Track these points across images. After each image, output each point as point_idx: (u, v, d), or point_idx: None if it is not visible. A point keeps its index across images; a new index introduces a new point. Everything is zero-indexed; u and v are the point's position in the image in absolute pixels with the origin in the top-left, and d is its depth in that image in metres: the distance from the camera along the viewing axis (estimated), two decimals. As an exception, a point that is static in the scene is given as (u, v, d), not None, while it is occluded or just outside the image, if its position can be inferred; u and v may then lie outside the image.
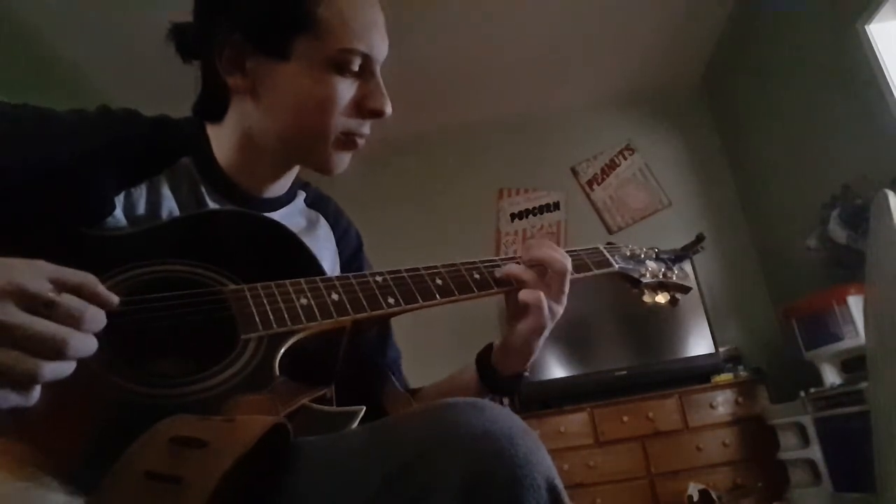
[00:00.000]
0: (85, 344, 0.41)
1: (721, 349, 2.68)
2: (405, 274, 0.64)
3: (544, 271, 0.68)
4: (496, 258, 0.70)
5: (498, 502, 0.38)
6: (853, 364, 2.15)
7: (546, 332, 0.68)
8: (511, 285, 0.69)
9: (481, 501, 0.37)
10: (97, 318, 0.42)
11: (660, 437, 2.45)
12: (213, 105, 0.71)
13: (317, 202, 0.83)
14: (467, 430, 0.40)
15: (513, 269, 0.69)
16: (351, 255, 0.83)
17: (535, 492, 0.38)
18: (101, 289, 0.44)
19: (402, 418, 0.45)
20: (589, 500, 2.38)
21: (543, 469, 0.40)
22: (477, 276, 0.67)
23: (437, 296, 0.63)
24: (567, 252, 0.74)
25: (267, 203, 0.74)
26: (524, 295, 0.66)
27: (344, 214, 0.86)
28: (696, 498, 2.26)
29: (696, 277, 2.63)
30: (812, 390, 2.16)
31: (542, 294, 0.66)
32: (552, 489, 0.40)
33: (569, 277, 0.68)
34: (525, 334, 0.68)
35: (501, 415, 0.42)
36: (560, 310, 0.69)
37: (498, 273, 0.69)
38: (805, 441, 2.18)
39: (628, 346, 2.75)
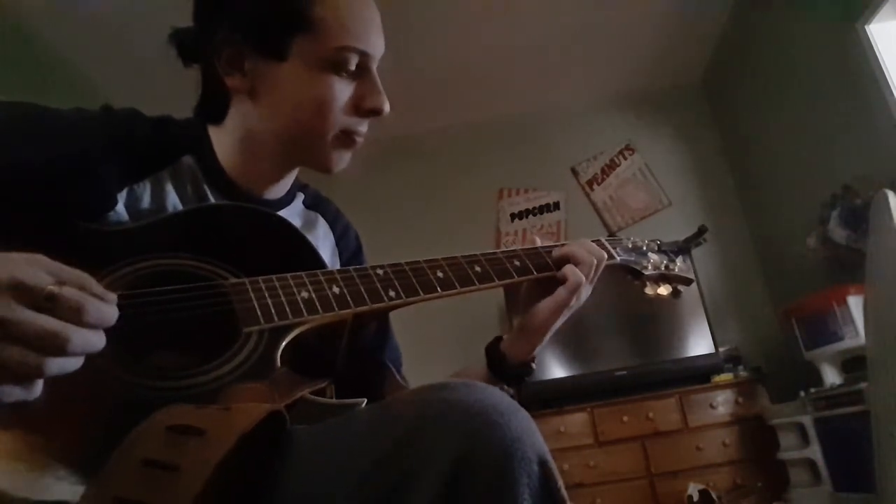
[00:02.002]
0: (87, 340, 0.40)
1: (721, 349, 2.67)
2: (406, 267, 0.64)
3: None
4: (497, 251, 0.70)
5: (489, 476, 0.38)
6: (853, 364, 2.15)
7: (564, 317, 0.73)
8: (513, 277, 0.69)
9: (472, 475, 0.37)
10: (101, 310, 0.42)
11: (660, 437, 2.45)
12: (213, 106, 0.72)
13: (316, 203, 0.83)
14: (459, 406, 0.40)
15: (572, 247, 0.74)
16: (350, 257, 0.84)
17: (526, 465, 0.38)
18: (99, 287, 0.44)
19: (395, 399, 0.46)
20: (589, 500, 2.38)
21: (535, 444, 0.40)
22: (478, 268, 0.67)
23: (439, 288, 0.63)
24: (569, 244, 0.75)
25: (267, 204, 0.74)
26: (569, 270, 0.71)
27: (343, 216, 0.86)
28: (696, 498, 2.25)
29: (696, 277, 2.63)
30: (812, 390, 2.16)
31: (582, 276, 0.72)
32: (543, 464, 0.40)
33: (603, 264, 0.75)
34: (551, 306, 0.71)
35: (493, 392, 0.42)
36: (586, 296, 0.74)
37: (556, 252, 0.74)
38: (805, 441, 2.18)
39: (628, 346, 2.75)
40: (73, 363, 0.40)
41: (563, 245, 0.76)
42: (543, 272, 0.71)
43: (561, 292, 0.71)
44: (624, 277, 0.78)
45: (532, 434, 0.40)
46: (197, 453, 0.36)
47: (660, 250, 0.82)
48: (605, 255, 0.75)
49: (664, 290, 0.78)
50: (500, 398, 0.41)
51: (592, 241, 0.78)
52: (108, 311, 0.42)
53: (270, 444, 0.43)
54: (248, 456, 0.38)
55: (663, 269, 0.79)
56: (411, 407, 0.41)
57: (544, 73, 3.19)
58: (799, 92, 2.58)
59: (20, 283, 0.39)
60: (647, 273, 0.78)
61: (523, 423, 0.40)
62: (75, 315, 0.40)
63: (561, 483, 0.40)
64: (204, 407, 0.41)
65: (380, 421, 0.42)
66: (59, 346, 0.38)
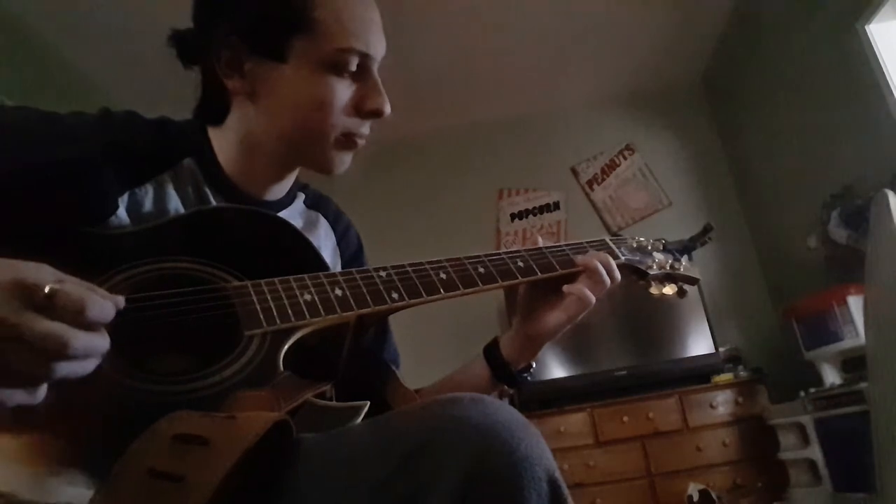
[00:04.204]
0: (89, 342, 0.40)
1: (721, 349, 2.68)
2: (409, 268, 0.63)
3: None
4: (500, 251, 0.70)
5: (498, 495, 0.38)
6: (853, 364, 2.16)
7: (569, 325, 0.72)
8: (516, 278, 0.69)
9: (482, 494, 0.37)
10: (102, 305, 0.41)
11: (660, 437, 2.45)
12: (213, 108, 0.71)
13: (316, 203, 0.83)
14: (468, 423, 0.40)
15: (600, 256, 0.73)
16: (351, 256, 0.84)
17: (535, 484, 0.38)
18: (101, 290, 0.43)
19: (402, 413, 0.45)
20: (589, 500, 2.38)
21: (544, 462, 0.40)
22: (482, 269, 0.67)
23: (442, 290, 0.63)
24: (572, 244, 0.75)
25: (268, 205, 0.74)
26: (577, 289, 0.70)
27: (344, 215, 0.86)
28: (696, 498, 2.26)
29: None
30: (812, 390, 2.16)
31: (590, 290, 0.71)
32: (552, 482, 0.40)
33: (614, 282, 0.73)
34: (562, 322, 0.71)
35: (502, 409, 0.42)
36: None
37: (580, 259, 0.72)
38: (805, 441, 2.18)
39: (628, 346, 2.75)
40: (79, 367, 0.40)
41: (582, 251, 0.75)
42: (547, 273, 0.71)
43: (572, 306, 0.71)
44: (628, 277, 0.77)
45: (541, 451, 0.40)
46: (203, 464, 0.36)
47: (665, 250, 0.81)
48: (618, 276, 0.74)
49: (669, 289, 0.78)
50: (509, 415, 0.41)
51: (598, 243, 0.78)
52: (109, 306, 0.42)
53: (277, 453, 0.43)
54: (255, 465, 0.38)
55: (668, 268, 0.78)
56: (420, 424, 0.41)
57: (544, 73, 3.19)
58: (799, 92, 2.58)
59: (22, 282, 0.38)
60: (652, 273, 0.77)
61: (532, 440, 0.40)
62: (77, 312, 0.39)
63: (570, 500, 0.40)
64: (209, 415, 0.41)
65: (389, 437, 0.42)
66: (59, 349, 0.38)
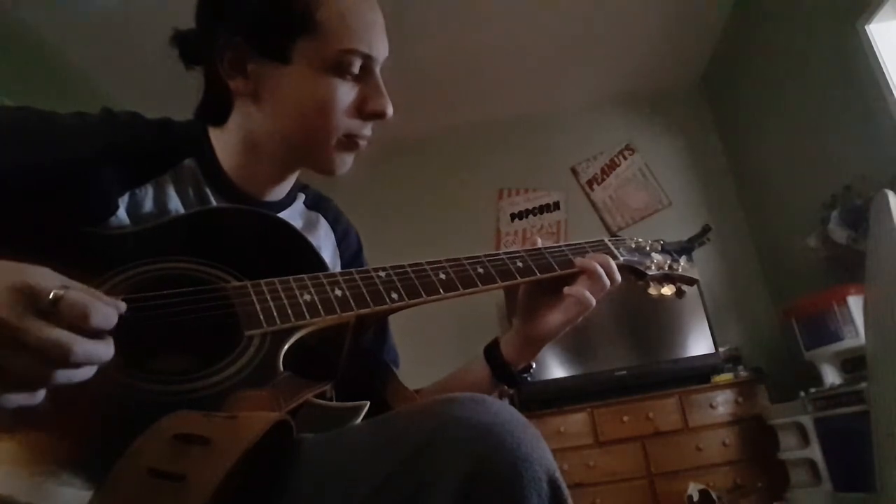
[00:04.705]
0: (91, 350, 0.40)
1: (721, 349, 2.68)
2: (408, 269, 0.63)
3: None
4: (499, 252, 0.70)
5: (499, 495, 0.38)
6: (853, 364, 2.16)
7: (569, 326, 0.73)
8: (515, 278, 0.69)
9: (482, 494, 0.37)
10: (106, 314, 0.41)
11: (660, 437, 2.45)
12: (215, 108, 0.71)
13: (317, 203, 0.83)
14: (468, 424, 0.40)
15: (599, 257, 0.73)
16: (352, 257, 0.84)
17: (536, 485, 0.39)
18: (109, 299, 0.43)
19: (402, 413, 0.45)
20: (589, 500, 2.38)
21: (544, 462, 0.40)
22: (481, 270, 0.67)
23: (441, 290, 0.63)
24: (571, 245, 0.75)
25: (268, 206, 0.74)
26: (577, 291, 0.71)
27: (344, 216, 0.86)
28: (696, 498, 2.26)
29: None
30: (812, 390, 2.16)
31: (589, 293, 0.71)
32: (553, 482, 0.40)
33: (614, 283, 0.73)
34: (561, 323, 0.72)
35: (502, 409, 0.42)
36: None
37: (579, 262, 0.72)
38: (805, 441, 2.18)
39: (628, 346, 2.75)
40: (80, 374, 0.40)
41: (578, 252, 0.75)
42: (546, 273, 0.71)
43: (572, 308, 0.71)
44: (627, 277, 0.78)
45: (541, 451, 0.40)
46: (203, 463, 0.36)
47: (663, 250, 0.81)
48: (618, 278, 0.74)
49: (668, 290, 0.78)
50: (509, 415, 0.41)
51: (597, 243, 0.78)
52: (112, 313, 0.42)
53: (277, 453, 0.43)
54: (255, 465, 0.38)
55: (667, 269, 0.78)
56: (419, 424, 0.41)
57: (544, 73, 3.19)
58: (799, 92, 2.58)
59: (27, 287, 0.38)
60: (650, 273, 0.77)
61: (532, 440, 0.40)
62: (81, 319, 0.39)
63: (570, 500, 0.40)
64: (209, 414, 0.41)
65: (389, 437, 0.42)
66: (61, 357, 0.38)
